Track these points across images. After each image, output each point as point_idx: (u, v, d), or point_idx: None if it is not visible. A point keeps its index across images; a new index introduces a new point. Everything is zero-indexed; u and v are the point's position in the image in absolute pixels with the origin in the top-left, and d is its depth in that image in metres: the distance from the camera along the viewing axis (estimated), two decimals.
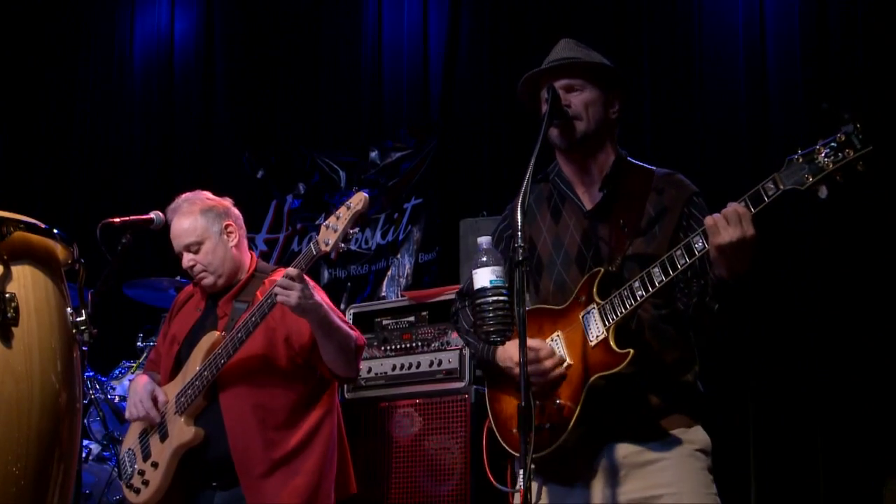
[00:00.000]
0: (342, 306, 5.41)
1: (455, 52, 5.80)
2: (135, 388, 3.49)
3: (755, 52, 4.75)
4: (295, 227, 6.10)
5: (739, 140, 4.71)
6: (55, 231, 2.42)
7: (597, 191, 2.66)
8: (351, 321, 4.38)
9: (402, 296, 4.81)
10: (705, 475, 2.53)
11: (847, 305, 4.27)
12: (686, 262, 2.35)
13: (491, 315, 2.36)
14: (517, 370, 2.45)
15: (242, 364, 3.30)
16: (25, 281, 2.32)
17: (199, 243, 3.45)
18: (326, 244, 3.06)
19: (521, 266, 2.30)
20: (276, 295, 3.12)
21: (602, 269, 2.52)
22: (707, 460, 2.54)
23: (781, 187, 2.21)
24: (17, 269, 2.31)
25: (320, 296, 3.25)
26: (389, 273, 5.68)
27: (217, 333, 3.37)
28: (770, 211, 2.24)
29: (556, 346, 2.53)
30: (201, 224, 3.46)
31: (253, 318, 3.21)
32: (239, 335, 3.23)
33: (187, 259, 3.47)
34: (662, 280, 2.37)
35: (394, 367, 4.23)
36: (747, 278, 2.32)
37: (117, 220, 3.45)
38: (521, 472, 2.24)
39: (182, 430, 3.31)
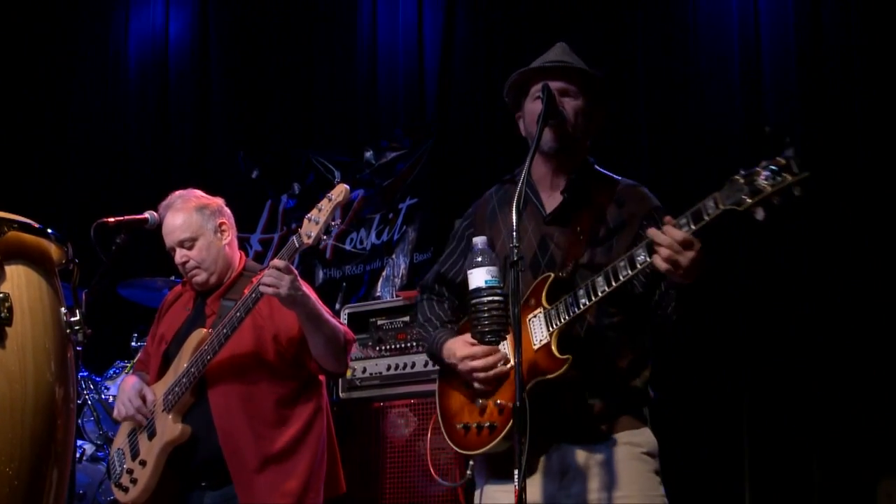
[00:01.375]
0: (337, 306, 5.41)
1: (450, 53, 5.81)
2: (123, 387, 3.50)
3: (750, 53, 4.77)
4: (290, 226, 6.08)
5: (734, 141, 4.72)
6: (49, 231, 2.41)
7: (558, 196, 2.67)
8: (346, 321, 4.39)
9: (396, 296, 4.81)
10: (653, 477, 2.54)
11: (841, 307, 4.28)
12: (628, 273, 2.36)
13: (486, 315, 2.36)
14: (459, 366, 2.58)
15: (231, 360, 3.31)
16: (19, 281, 2.31)
17: (194, 239, 3.46)
18: (309, 236, 3.06)
19: (516, 266, 2.30)
20: (261, 288, 3.12)
21: (552, 275, 2.53)
22: (654, 463, 2.55)
23: (721, 207, 2.22)
24: (10, 269, 2.31)
25: (308, 289, 3.25)
26: (384, 273, 5.68)
27: (204, 330, 3.37)
28: (710, 229, 2.26)
29: (504, 346, 2.54)
30: (196, 220, 3.47)
31: (238, 314, 3.21)
32: (224, 331, 3.23)
33: (180, 255, 3.47)
34: (605, 290, 2.39)
35: (388, 368, 4.22)
36: (702, 272, 2.34)
37: (112, 219, 3.44)
38: (516, 472, 2.23)
39: (169, 428, 3.31)
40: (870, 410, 4.10)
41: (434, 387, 4.03)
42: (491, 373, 2.52)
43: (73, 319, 2.39)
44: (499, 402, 2.49)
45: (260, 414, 3.30)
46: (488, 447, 2.50)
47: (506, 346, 2.53)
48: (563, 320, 2.45)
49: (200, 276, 3.47)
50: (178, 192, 3.58)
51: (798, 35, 4.62)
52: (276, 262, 3.12)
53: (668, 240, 2.27)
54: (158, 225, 3.53)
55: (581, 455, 2.51)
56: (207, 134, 6.68)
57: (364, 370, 4.28)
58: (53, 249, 2.44)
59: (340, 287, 5.80)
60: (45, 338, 2.32)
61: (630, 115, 4.95)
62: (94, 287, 3.19)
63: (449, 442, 2.62)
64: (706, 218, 2.24)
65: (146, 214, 3.53)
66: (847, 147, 4.38)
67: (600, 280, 2.40)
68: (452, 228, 4.74)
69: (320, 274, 5.91)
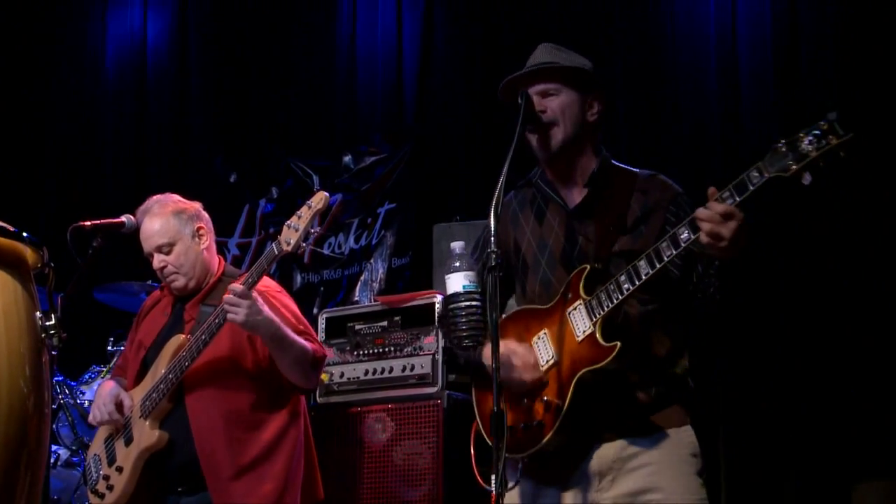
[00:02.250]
0: (315, 311, 5.39)
1: (429, 56, 5.81)
2: (100, 392, 3.48)
3: (727, 51, 4.79)
4: (268, 231, 6.07)
5: (712, 138, 4.75)
6: (24, 234, 2.39)
7: (580, 190, 2.66)
8: (323, 326, 4.38)
9: (375, 300, 4.80)
10: (697, 480, 2.53)
11: (816, 312, 4.31)
12: (672, 253, 2.36)
13: (463, 320, 2.36)
14: (502, 372, 2.48)
15: (208, 366, 3.30)
16: None
17: (172, 244, 3.44)
18: (288, 243, 3.07)
19: (495, 272, 2.31)
20: (227, 317, 3.12)
21: (588, 266, 2.53)
22: (698, 464, 2.55)
23: (766, 175, 2.23)
24: None
25: (286, 301, 3.25)
26: (363, 278, 5.67)
27: (182, 336, 3.37)
28: (754, 200, 2.27)
29: (542, 343, 2.54)
30: (174, 225, 3.46)
31: (216, 321, 3.20)
32: (203, 337, 3.22)
33: (158, 260, 3.45)
34: (649, 272, 2.38)
35: (366, 372, 4.22)
36: (748, 247, 2.35)
37: (88, 223, 3.42)
38: (493, 477, 2.24)
39: (147, 434, 3.30)
40: (844, 415, 4.13)
41: (412, 392, 4.07)
42: (527, 385, 2.49)
43: (48, 324, 2.37)
44: (546, 398, 2.47)
45: (237, 419, 3.29)
46: (540, 445, 2.45)
47: (547, 345, 2.52)
48: (605, 308, 2.43)
49: (179, 282, 3.46)
50: (155, 197, 3.56)
51: (775, 31, 4.65)
52: (235, 286, 3.13)
53: (710, 213, 2.28)
54: (135, 229, 3.52)
55: (625, 449, 2.50)
56: (185, 137, 6.65)
57: (342, 375, 4.27)
58: (29, 253, 2.42)
59: (318, 291, 5.79)
60: (19, 342, 2.30)
61: (608, 113, 4.98)
62: (70, 291, 3.17)
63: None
64: (751, 187, 2.25)
65: (123, 218, 3.51)
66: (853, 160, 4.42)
67: (643, 263, 2.39)
68: (431, 233, 4.79)
69: (298, 278, 5.90)
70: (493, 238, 2.33)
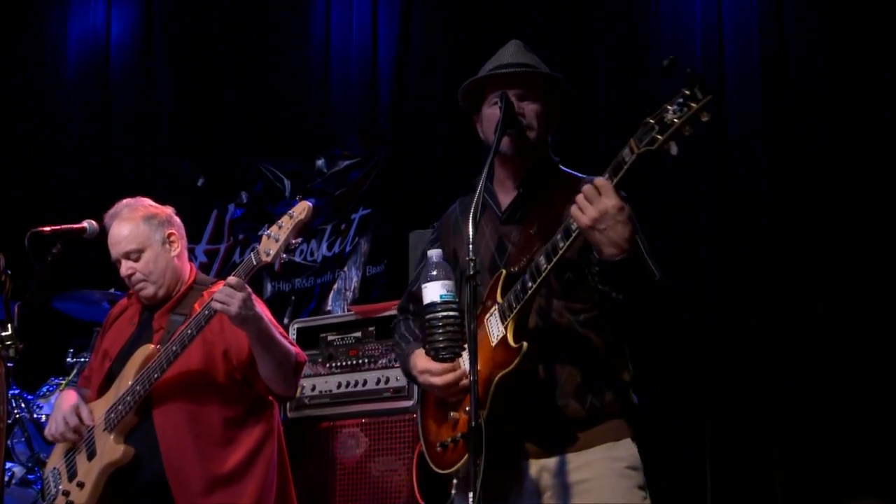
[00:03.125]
0: (286, 321, 5.36)
1: (406, 57, 5.81)
2: (59, 404, 3.44)
3: (713, 50, 4.82)
4: (236, 237, 6.05)
5: (697, 139, 4.78)
6: None
7: (514, 194, 2.69)
8: (295, 337, 4.37)
9: (348, 310, 4.80)
10: (638, 494, 2.52)
11: (803, 322, 4.34)
12: (564, 244, 2.36)
13: (441, 331, 2.37)
14: (419, 379, 2.58)
15: (178, 379, 3.27)
16: None
17: (140, 251, 3.42)
18: (267, 254, 3.06)
19: (472, 281, 2.30)
20: (212, 304, 3.11)
21: (503, 271, 2.54)
22: (638, 477, 2.53)
23: (636, 150, 2.25)
24: None
25: (262, 309, 3.24)
26: (335, 286, 5.67)
27: (151, 347, 3.34)
28: (632, 178, 2.29)
29: (467, 356, 2.54)
30: (143, 231, 3.43)
31: (189, 331, 3.18)
32: (174, 348, 3.20)
33: (126, 267, 3.42)
34: (546, 267, 2.39)
35: (339, 385, 4.21)
36: (635, 253, 2.33)
37: (47, 228, 3.40)
38: (471, 496, 2.23)
39: (111, 448, 3.26)
40: (834, 431, 4.15)
41: (386, 405, 4.06)
42: (451, 389, 2.50)
43: (4, 334, 2.35)
44: (467, 409, 2.41)
45: (207, 435, 3.27)
46: (462, 462, 2.45)
47: (465, 356, 2.52)
48: (513, 308, 2.44)
49: (148, 290, 3.43)
50: (125, 201, 3.53)
51: (761, 33, 4.69)
52: (231, 279, 3.11)
53: (586, 187, 2.30)
54: (97, 234, 3.49)
55: (557, 470, 2.49)
56: (151, 140, 6.62)
57: (314, 388, 4.26)
58: None
59: (290, 301, 5.75)
60: None
61: (590, 115, 5.00)
62: (28, 300, 3.15)
63: (432, 466, 2.58)
64: (624, 164, 2.27)
65: (84, 223, 3.48)
66: (811, 145, 4.46)
67: (541, 259, 2.41)
68: (407, 240, 4.78)
69: (269, 287, 5.88)
70: (470, 246, 2.33)
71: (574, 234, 2.35)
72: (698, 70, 2.20)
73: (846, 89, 4.37)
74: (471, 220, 2.36)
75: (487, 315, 2.51)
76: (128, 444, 3.27)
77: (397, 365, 4.10)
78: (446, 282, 2.41)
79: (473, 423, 2.25)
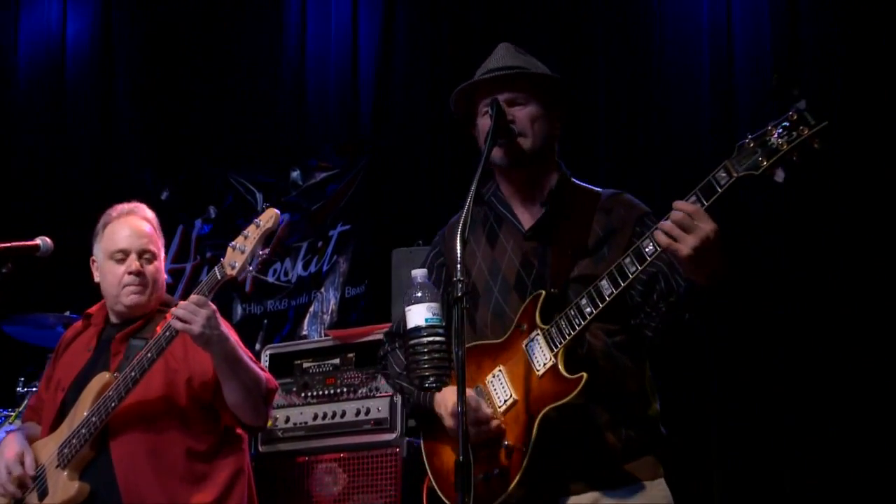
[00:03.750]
0: (258, 346, 5.37)
1: (389, 60, 5.83)
2: (1, 451, 3.41)
3: (720, 43, 4.84)
4: (204, 255, 6.05)
5: (701, 156, 4.80)
6: None
7: (538, 210, 2.73)
8: (267, 364, 4.37)
9: (325, 335, 4.80)
10: None
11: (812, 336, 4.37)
12: (637, 269, 2.40)
13: (426, 358, 2.37)
14: (449, 421, 2.55)
15: (137, 408, 3.28)
16: None
17: (155, 256, 3.50)
18: (233, 267, 3.09)
19: (461, 303, 2.33)
20: (172, 322, 3.13)
21: (543, 292, 2.57)
22: None
23: (734, 174, 2.27)
24: None
25: (228, 329, 3.25)
26: (312, 309, 5.67)
27: (108, 374, 3.34)
28: (724, 202, 2.31)
29: (498, 382, 2.57)
30: (159, 238, 3.55)
31: (149, 355, 3.20)
32: (132, 374, 3.20)
33: (135, 264, 3.44)
34: (612, 292, 2.43)
35: (315, 417, 4.21)
36: (726, 277, 2.37)
37: None
38: None
39: (64, 486, 3.25)
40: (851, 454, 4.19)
41: (367, 439, 4.06)
42: (484, 431, 2.50)
43: None
44: (506, 443, 2.49)
45: (170, 469, 3.26)
46: (505, 495, 2.46)
47: (504, 384, 2.54)
48: (567, 336, 2.47)
49: (140, 298, 3.45)
50: (133, 203, 3.61)
51: (774, 34, 4.71)
52: (194, 296, 3.14)
53: (674, 213, 2.30)
54: (51, 252, 3.50)
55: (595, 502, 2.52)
56: (110, 149, 6.62)
57: (287, 420, 4.26)
58: None
59: (262, 325, 5.77)
60: None
61: (588, 120, 5.03)
62: None
63: (446, 502, 2.59)
64: (719, 189, 2.29)
65: (37, 240, 3.49)
66: (828, 153, 4.49)
67: (604, 283, 2.44)
68: (390, 259, 4.79)
69: (239, 309, 5.87)
70: (458, 266, 2.36)
71: (649, 259, 2.38)
72: (805, 89, 2.21)
73: (867, 99, 4.41)
74: (458, 239, 2.38)
75: (527, 340, 2.54)
76: (83, 481, 3.26)
77: (379, 394, 4.11)
78: (432, 304, 2.42)
79: (461, 456, 2.26)
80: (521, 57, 2.76)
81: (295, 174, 5.91)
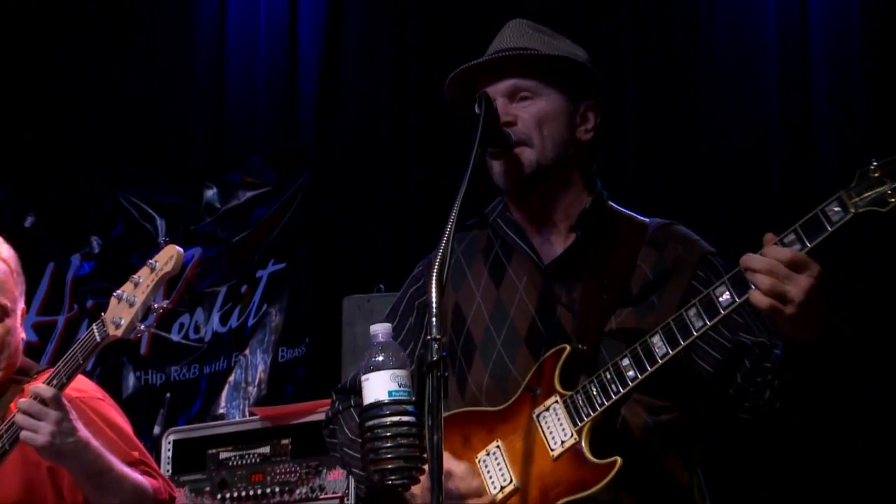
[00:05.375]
0: (156, 429, 5.35)
1: (339, 42, 5.84)
2: None
3: (793, 43, 4.87)
4: (83, 305, 6.04)
5: (766, 174, 4.80)
6: None
7: (562, 238, 2.73)
8: (170, 452, 4.36)
9: (250, 413, 4.79)
10: None
11: None
12: (705, 324, 2.41)
13: (389, 445, 2.36)
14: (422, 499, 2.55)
15: None
16: None
17: (6, 311, 3.43)
18: (117, 325, 3.07)
19: (436, 370, 2.32)
20: (15, 429, 3.12)
21: (567, 347, 2.57)
22: None
23: (853, 209, 2.28)
24: None
25: (108, 417, 3.29)
26: (232, 378, 5.66)
27: None
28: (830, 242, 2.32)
29: (493, 462, 2.59)
30: (16, 284, 3.49)
31: (1, 445, 3.19)
32: None
33: None
34: (667, 353, 2.44)
35: None
36: (830, 329, 2.38)
37: None
38: None
39: None
40: None
41: None
42: None
43: None
44: None
45: None
46: None
47: (501, 465, 2.57)
48: (598, 406, 2.48)
49: None
50: None
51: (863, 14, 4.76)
52: (40, 387, 3.09)
53: (769, 262, 2.30)
54: None
55: None
56: None
57: None
58: None
59: (163, 399, 5.74)
60: None
61: (611, 128, 5.05)
62: None
63: None
64: (829, 228, 2.30)
65: None
66: None
67: (657, 340, 2.44)
68: (340, 309, 4.77)
69: (131, 378, 5.85)
70: (434, 318, 2.35)
71: (723, 313, 2.38)
72: None
73: None
74: (434, 285, 2.36)
75: (540, 409, 2.55)
76: None
77: (325, 495, 4.11)
78: (397, 371, 2.41)
79: None
80: (538, 35, 2.76)
81: (210, 194, 5.92)
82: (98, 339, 3.11)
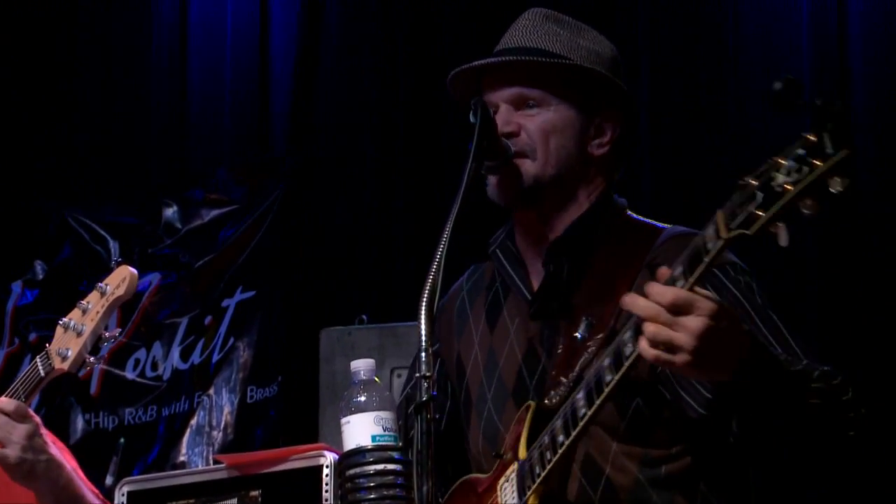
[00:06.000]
0: (108, 479, 5.35)
1: (316, 41, 5.86)
2: None
3: (829, 52, 4.91)
4: (25, 337, 6.04)
5: None
6: None
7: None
8: None
9: (215, 462, 4.79)
10: None
11: None
12: (613, 378, 2.32)
13: (373, 497, 2.38)
14: None
15: None
16: None
17: None
18: (64, 358, 3.09)
19: (423, 412, 2.33)
20: None
21: (532, 405, 2.56)
22: None
23: (724, 235, 2.14)
24: None
25: (61, 452, 3.24)
26: (194, 421, 5.66)
27: None
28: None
29: None
30: None
31: None
32: None
33: None
34: (586, 413, 2.38)
35: None
36: (755, 357, 2.28)
37: None
38: None
39: None
40: None
41: None
42: None
43: None
44: None
45: None
46: None
47: None
48: (536, 478, 2.45)
49: None
50: None
51: None
52: (4, 400, 3.10)
53: (649, 306, 2.21)
54: None
55: None
56: None
57: None
58: None
59: (116, 446, 5.73)
60: None
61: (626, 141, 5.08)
62: None
63: None
64: (704, 260, 2.18)
65: None
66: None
67: (580, 397, 2.39)
68: (317, 343, 4.77)
69: (79, 422, 5.85)
70: (423, 354, 2.36)
71: (627, 364, 2.29)
72: (835, 102, 2.04)
73: None
74: (423, 314, 2.38)
75: (500, 479, 2.55)
76: None
77: None
78: (381, 414, 2.44)
79: None
80: (552, 32, 2.76)
81: (170, 212, 5.93)
82: (42, 373, 3.13)
